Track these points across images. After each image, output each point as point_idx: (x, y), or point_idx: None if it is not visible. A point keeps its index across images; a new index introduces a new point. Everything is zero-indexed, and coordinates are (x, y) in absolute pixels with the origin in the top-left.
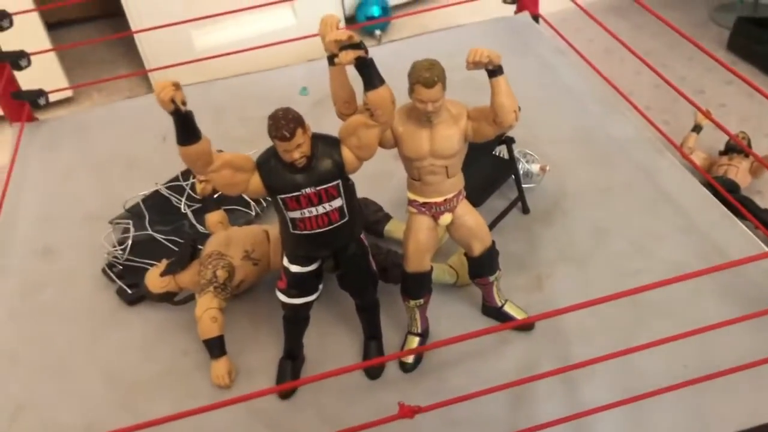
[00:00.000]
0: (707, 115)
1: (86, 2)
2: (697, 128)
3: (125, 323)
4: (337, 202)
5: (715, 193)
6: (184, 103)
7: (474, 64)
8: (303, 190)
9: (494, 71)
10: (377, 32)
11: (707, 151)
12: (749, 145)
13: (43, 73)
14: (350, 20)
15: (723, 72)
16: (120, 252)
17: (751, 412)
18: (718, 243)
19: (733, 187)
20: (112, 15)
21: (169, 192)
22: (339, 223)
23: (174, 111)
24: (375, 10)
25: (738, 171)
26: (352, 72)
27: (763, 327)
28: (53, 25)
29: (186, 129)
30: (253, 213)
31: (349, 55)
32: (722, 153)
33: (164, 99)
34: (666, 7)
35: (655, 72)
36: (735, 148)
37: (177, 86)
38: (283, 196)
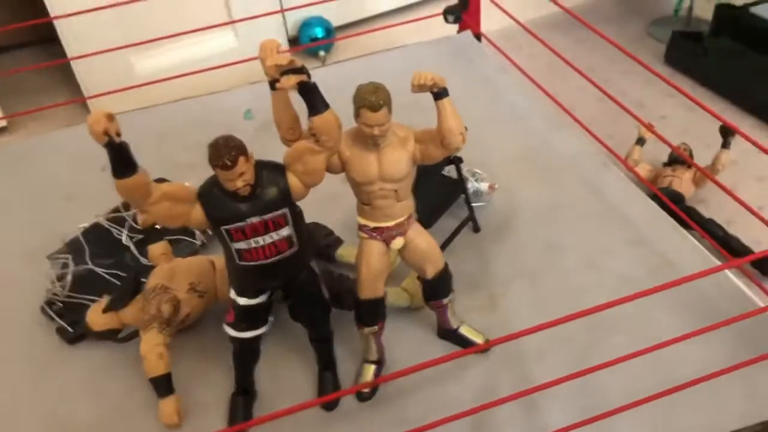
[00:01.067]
0: (650, 128)
1: (18, 28)
2: (640, 141)
3: (67, 363)
4: (285, 231)
5: (662, 205)
6: (118, 135)
7: (419, 87)
8: (248, 220)
9: (439, 93)
10: (321, 53)
11: (651, 162)
12: (691, 155)
13: None
14: (294, 41)
15: (662, 85)
16: (59, 288)
17: (712, 424)
18: (668, 255)
19: (677, 198)
20: (46, 40)
21: (110, 224)
22: (288, 252)
23: (108, 143)
24: (318, 31)
25: (682, 182)
26: (296, 96)
27: (717, 339)
28: None
29: (121, 161)
30: (199, 243)
31: (291, 80)
32: (666, 164)
33: (97, 131)
34: (604, 21)
35: (597, 87)
36: (678, 159)
37: (110, 117)
38: (227, 227)
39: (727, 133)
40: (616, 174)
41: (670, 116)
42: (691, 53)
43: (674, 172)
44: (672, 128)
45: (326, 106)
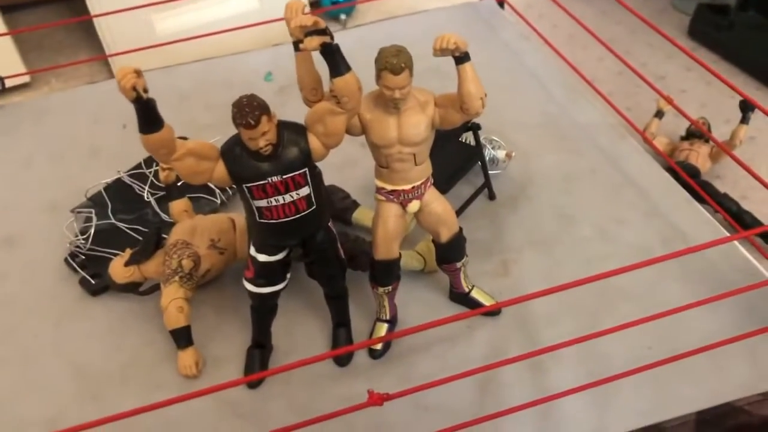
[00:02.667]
0: (669, 101)
1: None
2: (659, 114)
3: (89, 314)
4: (305, 191)
5: (677, 178)
6: (146, 91)
7: (441, 51)
8: (269, 179)
9: (461, 58)
10: (342, 16)
11: (669, 136)
12: (709, 129)
13: None
14: (315, 4)
15: (683, 58)
16: (82, 241)
17: (712, 393)
18: (680, 226)
19: (693, 172)
20: None
21: (132, 180)
22: (306, 211)
23: (135, 99)
24: None
25: (698, 156)
26: (318, 58)
27: (723, 309)
28: (7, 8)
29: (148, 117)
30: (219, 201)
31: (315, 41)
32: (683, 138)
33: (126, 86)
34: None
35: (618, 57)
36: (696, 133)
37: (139, 73)
38: (248, 184)
39: (746, 108)
40: (632, 145)
41: (689, 90)
42: (716, 26)
43: (691, 146)
44: (691, 102)
45: (348, 68)
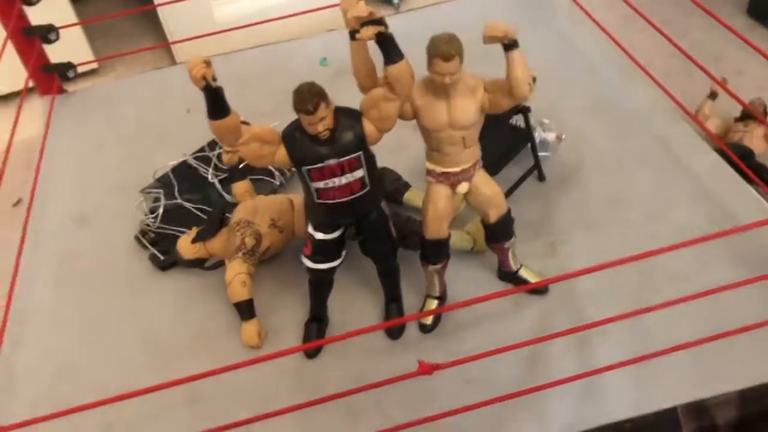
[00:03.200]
0: (722, 84)
1: None
2: (713, 95)
3: (158, 288)
4: (359, 173)
5: (730, 161)
6: (214, 80)
7: (490, 39)
8: (326, 162)
9: (510, 45)
10: (395, 0)
11: (723, 117)
12: (765, 110)
13: (69, 45)
14: None
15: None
16: (152, 220)
17: (754, 372)
18: (730, 209)
19: (747, 153)
20: None
21: (197, 162)
22: (361, 192)
23: (205, 87)
24: None
25: (753, 137)
26: (372, 46)
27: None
28: None
29: (216, 104)
30: (278, 182)
31: (370, 30)
32: (738, 119)
33: (196, 76)
34: None
35: (669, 40)
36: (750, 114)
37: (208, 64)
38: (307, 167)
39: None
40: (684, 128)
41: (746, 71)
42: None
43: (746, 128)
44: (749, 83)
45: (401, 56)
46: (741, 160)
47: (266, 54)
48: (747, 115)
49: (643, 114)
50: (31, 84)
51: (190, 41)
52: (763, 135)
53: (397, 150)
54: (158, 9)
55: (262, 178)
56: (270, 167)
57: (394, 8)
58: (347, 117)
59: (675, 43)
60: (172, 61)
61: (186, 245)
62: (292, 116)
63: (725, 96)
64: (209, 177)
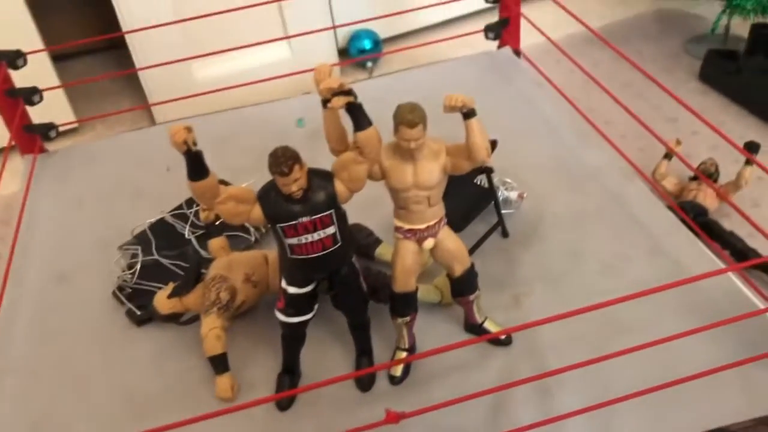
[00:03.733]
0: (671, 149)
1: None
2: (668, 156)
3: (135, 342)
4: (331, 230)
5: (682, 218)
6: (194, 144)
7: (450, 109)
8: (299, 219)
9: (468, 114)
10: (369, 64)
11: (679, 176)
12: (717, 170)
13: (49, 104)
14: (343, 53)
15: (695, 101)
16: (129, 276)
17: (707, 417)
18: (683, 264)
19: (701, 211)
20: (115, 47)
21: (174, 219)
22: (332, 248)
23: (186, 151)
24: (366, 44)
25: (706, 196)
26: (343, 112)
27: (719, 339)
28: (58, 57)
29: (196, 166)
30: (253, 238)
31: (341, 100)
32: (692, 178)
33: (177, 141)
34: (643, 37)
35: (619, 104)
36: (704, 174)
37: (189, 129)
38: (281, 224)
39: (751, 149)
40: (639, 186)
41: (700, 131)
42: (725, 71)
43: (699, 186)
44: (703, 143)
45: (369, 123)
46: (695, 217)
47: (244, 115)
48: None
49: (600, 173)
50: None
51: (169, 103)
52: (716, 194)
53: (369, 207)
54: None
55: (237, 235)
56: (246, 224)
57: (367, 72)
58: (319, 178)
59: (627, 108)
60: (152, 121)
61: (162, 300)
62: (269, 174)
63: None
64: (186, 234)
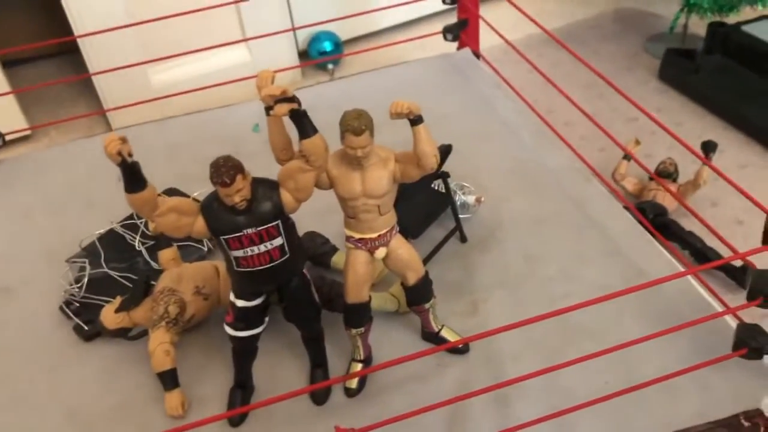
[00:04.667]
0: (629, 152)
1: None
2: (627, 156)
3: (82, 359)
4: (278, 241)
5: (639, 220)
6: (130, 155)
7: (397, 115)
8: (244, 231)
9: (415, 120)
10: (330, 66)
11: (638, 176)
12: (676, 169)
13: (0, 111)
14: (303, 55)
15: (654, 101)
16: (77, 290)
17: (666, 422)
18: (641, 265)
19: (660, 211)
20: (69, 51)
21: (124, 230)
22: (280, 260)
23: (121, 163)
24: (327, 45)
25: (666, 195)
26: (288, 121)
27: (677, 343)
28: (8, 63)
29: (132, 178)
30: (206, 249)
31: (284, 108)
32: (651, 179)
33: (111, 152)
34: (602, 37)
35: (577, 107)
36: (663, 173)
37: (123, 140)
38: (225, 237)
39: (708, 148)
40: (597, 188)
41: (658, 131)
42: (684, 70)
43: (659, 186)
44: (661, 143)
45: (315, 131)
46: (655, 217)
47: (200, 120)
48: (660, 174)
49: (559, 175)
50: None
51: (124, 108)
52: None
53: (325, 215)
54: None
55: (189, 245)
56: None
57: (329, 74)
58: (264, 187)
59: (584, 111)
60: (108, 128)
61: (110, 315)
62: None
63: (640, 155)
64: (136, 245)
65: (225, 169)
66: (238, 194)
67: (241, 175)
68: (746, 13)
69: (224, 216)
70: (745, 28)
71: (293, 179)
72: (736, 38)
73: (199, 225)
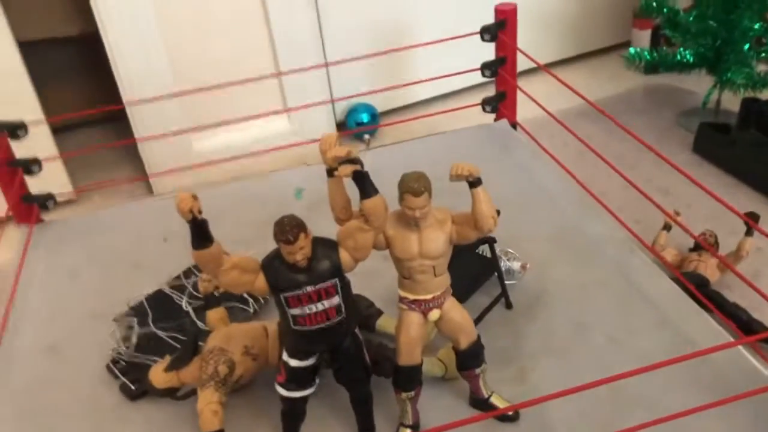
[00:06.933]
0: (673, 218)
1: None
2: (667, 227)
3: (128, 419)
4: (335, 300)
5: (687, 290)
6: (200, 212)
7: (457, 177)
8: (304, 288)
9: (474, 182)
10: (366, 137)
11: (678, 248)
12: (716, 242)
13: (48, 174)
14: (341, 125)
15: (689, 172)
16: (124, 348)
17: None
18: (689, 336)
19: (702, 282)
20: (116, 119)
21: (172, 290)
22: (336, 319)
23: (191, 220)
24: (364, 117)
25: (707, 266)
26: (347, 181)
27: (731, 415)
28: (58, 129)
29: (200, 235)
30: (252, 310)
31: (348, 168)
32: (692, 249)
33: (184, 209)
34: (635, 111)
35: (618, 173)
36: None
37: (195, 197)
38: (285, 294)
39: (752, 220)
40: (641, 258)
41: (694, 204)
42: (719, 143)
43: (699, 257)
44: (698, 215)
45: (376, 191)
46: (696, 288)
47: (243, 187)
48: (700, 246)
49: (601, 244)
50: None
51: (167, 174)
52: (717, 264)
53: (369, 278)
54: (138, 143)
55: (236, 305)
56: (245, 295)
57: (365, 144)
58: (324, 246)
59: (624, 175)
60: (149, 191)
61: (158, 374)
62: (267, 245)
63: (678, 228)
64: (183, 305)
65: (289, 228)
66: (300, 252)
67: (303, 233)
68: None
69: (285, 273)
70: None
71: (353, 238)
72: None
73: (260, 282)
